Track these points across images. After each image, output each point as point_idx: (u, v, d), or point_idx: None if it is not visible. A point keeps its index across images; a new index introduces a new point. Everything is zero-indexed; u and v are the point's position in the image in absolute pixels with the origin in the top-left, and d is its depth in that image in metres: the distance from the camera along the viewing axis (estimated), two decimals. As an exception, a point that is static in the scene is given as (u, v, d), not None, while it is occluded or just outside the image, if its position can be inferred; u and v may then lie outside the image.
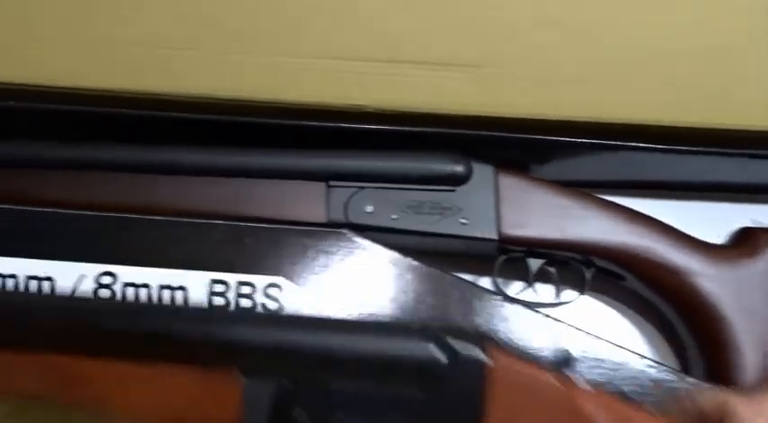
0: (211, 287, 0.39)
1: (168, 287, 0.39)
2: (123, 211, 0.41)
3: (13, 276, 0.39)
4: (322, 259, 0.42)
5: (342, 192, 0.44)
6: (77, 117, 0.43)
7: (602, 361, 0.39)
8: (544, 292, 0.47)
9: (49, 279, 0.39)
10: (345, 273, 0.41)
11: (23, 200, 0.41)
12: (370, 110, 0.45)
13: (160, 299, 0.39)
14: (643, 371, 0.39)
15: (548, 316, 0.42)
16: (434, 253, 0.44)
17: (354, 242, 0.42)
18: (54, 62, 0.43)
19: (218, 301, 0.39)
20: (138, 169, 0.43)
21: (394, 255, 0.42)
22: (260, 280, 0.40)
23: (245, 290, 0.40)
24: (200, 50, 0.43)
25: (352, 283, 0.41)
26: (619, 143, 0.46)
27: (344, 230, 0.42)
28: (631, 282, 0.45)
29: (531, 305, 0.43)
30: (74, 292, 0.39)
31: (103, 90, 0.43)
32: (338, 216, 0.44)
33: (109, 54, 0.43)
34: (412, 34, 0.45)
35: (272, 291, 0.40)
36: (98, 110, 0.43)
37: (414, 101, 0.45)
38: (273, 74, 0.44)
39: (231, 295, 0.39)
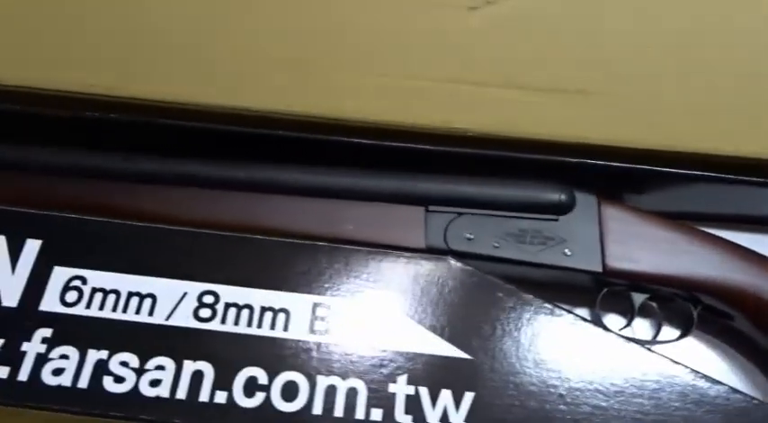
0: (314, 311, 0.38)
1: (270, 309, 0.38)
2: (226, 229, 0.41)
3: (115, 292, 0.38)
4: (422, 285, 0.40)
5: (441, 217, 0.43)
6: (180, 132, 0.43)
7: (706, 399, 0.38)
8: (646, 327, 0.45)
9: (150, 296, 0.38)
10: (445, 299, 0.40)
11: (127, 214, 0.41)
12: (472, 134, 0.44)
13: (261, 321, 0.38)
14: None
15: (650, 350, 0.40)
16: (533, 282, 0.43)
17: (455, 269, 0.41)
18: (163, 78, 0.43)
19: (321, 325, 0.38)
20: (241, 187, 0.43)
21: (494, 281, 0.41)
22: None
23: (349, 314, 0.39)
24: (307, 69, 0.43)
25: (452, 309, 0.40)
26: (725, 176, 0.44)
27: (447, 257, 0.41)
28: (740, 322, 0.43)
29: (632, 341, 0.41)
30: (174, 310, 0.38)
31: (207, 106, 0.43)
32: (437, 242, 0.43)
33: (215, 70, 0.43)
34: (519, 59, 0.45)
35: (375, 317, 0.39)
36: (200, 125, 0.42)
37: (517, 126, 0.44)
38: (378, 95, 0.43)
39: (333, 320, 0.38)
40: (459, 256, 0.42)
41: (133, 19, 0.44)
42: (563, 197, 0.43)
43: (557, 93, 0.44)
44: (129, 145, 0.43)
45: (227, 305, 0.38)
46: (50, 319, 0.37)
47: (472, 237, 0.43)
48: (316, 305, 0.39)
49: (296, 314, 0.38)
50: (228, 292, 0.39)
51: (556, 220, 0.43)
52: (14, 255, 0.39)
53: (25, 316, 0.37)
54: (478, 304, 0.40)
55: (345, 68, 0.43)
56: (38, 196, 0.42)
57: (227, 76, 0.43)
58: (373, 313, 0.39)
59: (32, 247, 0.39)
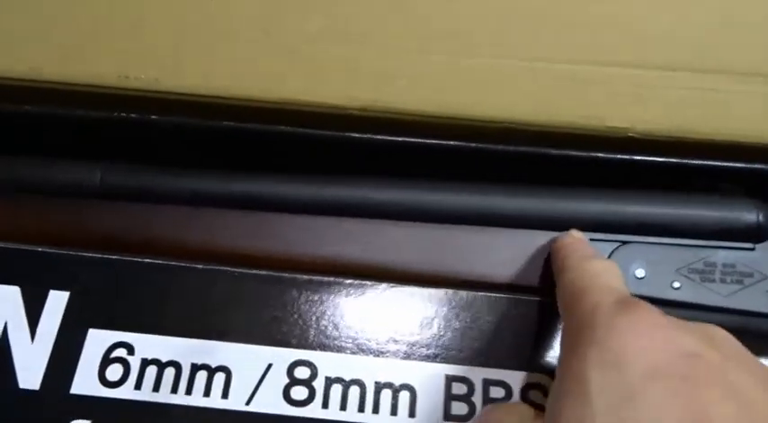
0: (450, 387, 0.28)
1: (389, 385, 0.28)
2: (324, 270, 0.30)
3: (173, 365, 0.27)
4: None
5: (600, 247, 0.32)
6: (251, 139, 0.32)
7: None
8: None
9: (223, 370, 0.27)
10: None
11: (187, 251, 0.30)
12: (634, 134, 0.33)
13: (377, 404, 0.27)
14: None
15: None
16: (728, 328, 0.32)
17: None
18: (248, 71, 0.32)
19: (460, 407, 0.27)
20: (326, 209, 0.32)
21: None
22: (514, 378, 0.28)
23: (496, 392, 0.28)
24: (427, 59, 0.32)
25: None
26: None
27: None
28: None
29: None
30: (257, 390, 0.27)
31: (307, 103, 0.32)
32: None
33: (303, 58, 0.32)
34: (688, 36, 0.33)
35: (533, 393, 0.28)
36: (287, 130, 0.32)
37: (694, 124, 0.33)
38: (513, 88, 0.32)
39: (477, 399, 0.28)
40: (626, 300, 0.31)
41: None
42: (762, 218, 0.32)
43: (748, 77, 0.33)
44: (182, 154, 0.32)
45: (329, 381, 0.28)
46: (86, 406, 0.27)
47: (643, 274, 0.32)
48: (450, 378, 0.28)
49: (423, 390, 0.28)
50: (329, 363, 0.28)
51: (752, 249, 0.32)
52: (34, 314, 0.28)
53: (52, 402, 0.27)
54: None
55: (484, 52, 0.32)
56: (61, 230, 0.31)
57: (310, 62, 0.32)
58: (529, 390, 0.28)
59: (57, 301, 0.28)
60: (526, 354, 0.29)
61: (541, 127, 0.32)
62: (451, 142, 0.32)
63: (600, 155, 0.32)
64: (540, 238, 0.32)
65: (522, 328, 0.29)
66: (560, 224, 0.32)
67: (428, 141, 0.32)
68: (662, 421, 0.19)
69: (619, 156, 0.32)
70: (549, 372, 0.28)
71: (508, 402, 0.27)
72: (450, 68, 0.32)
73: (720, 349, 0.22)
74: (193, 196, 0.31)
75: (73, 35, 0.32)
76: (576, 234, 0.31)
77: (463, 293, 0.30)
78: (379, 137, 0.32)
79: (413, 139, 0.32)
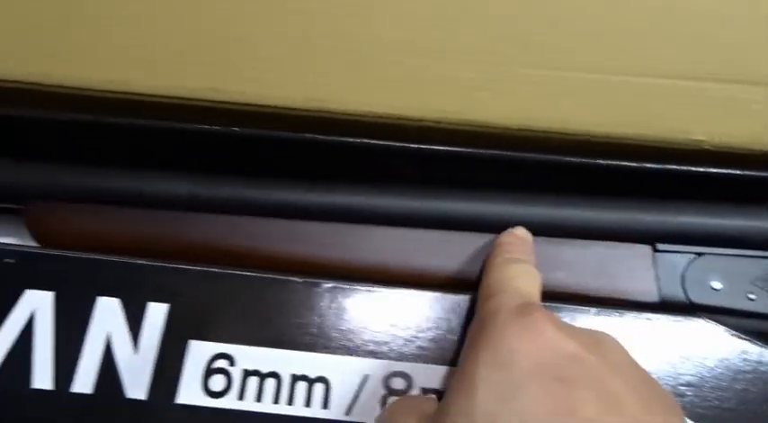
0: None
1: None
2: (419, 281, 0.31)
3: (274, 376, 0.28)
4: (656, 350, 0.31)
5: (675, 259, 0.33)
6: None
7: None
8: None
9: (322, 381, 0.28)
10: (685, 370, 0.30)
11: (281, 262, 0.31)
12: (707, 146, 0.33)
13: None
14: None
15: None
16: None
17: (700, 329, 0.31)
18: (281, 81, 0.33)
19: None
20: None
21: (755, 347, 0.31)
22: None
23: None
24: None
25: (698, 381, 0.30)
26: None
27: (699, 318, 0.31)
28: None
29: None
30: (355, 400, 0.28)
31: (357, 113, 0.32)
32: (673, 292, 0.33)
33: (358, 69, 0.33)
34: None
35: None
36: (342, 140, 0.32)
37: (764, 133, 0.33)
38: (571, 94, 0.33)
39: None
40: (703, 310, 0.32)
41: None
42: (836, 229, 0.33)
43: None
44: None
45: (425, 392, 0.28)
46: (193, 415, 0.28)
47: (719, 285, 0.32)
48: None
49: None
50: (426, 374, 0.29)
51: (828, 260, 0.33)
52: (135, 326, 0.29)
53: (160, 411, 0.28)
54: (735, 377, 0.30)
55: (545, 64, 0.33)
56: (158, 242, 0.32)
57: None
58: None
59: (157, 313, 0.29)
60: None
61: (620, 139, 0.33)
62: (531, 155, 0.33)
63: (676, 167, 0.33)
64: (623, 251, 0.33)
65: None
66: (641, 234, 0.33)
67: (507, 153, 0.33)
68: (534, 416, 0.21)
69: (695, 168, 0.33)
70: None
71: (413, 396, 0.28)
72: (533, 81, 0.33)
73: (603, 355, 0.23)
74: (288, 209, 0.32)
75: (161, 48, 0.33)
76: (518, 232, 0.32)
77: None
78: (457, 149, 0.33)
79: (494, 152, 0.33)
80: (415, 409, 0.25)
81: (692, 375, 0.30)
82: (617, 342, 0.24)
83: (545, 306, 0.26)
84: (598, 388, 0.22)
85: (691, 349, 0.31)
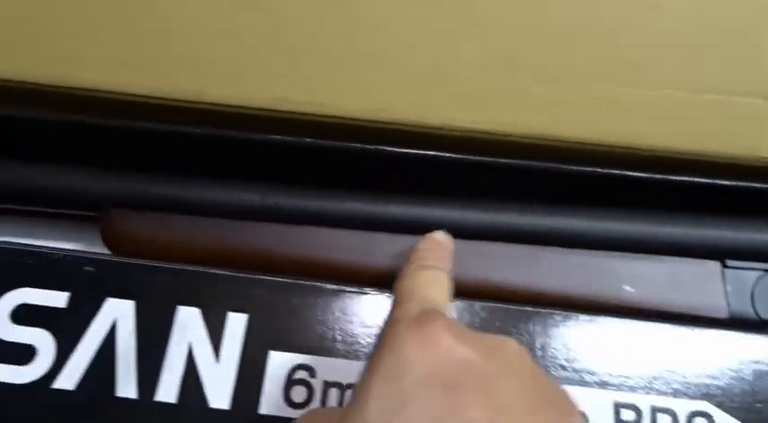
0: (618, 412, 0.29)
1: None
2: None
3: (353, 388, 0.29)
4: (726, 369, 0.31)
5: (744, 275, 0.33)
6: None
7: None
8: None
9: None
10: (759, 389, 0.31)
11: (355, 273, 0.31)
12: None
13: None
14: None
15: None
16: None
17: (771, 347, 0.31)
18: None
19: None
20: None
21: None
22: (680, 406, 0.29)
23: (664, 420, 0.29)
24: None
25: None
26: None
27: (761, 332, 0.31)
28: None
29: None
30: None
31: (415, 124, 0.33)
32: (743, 308, 0.33)
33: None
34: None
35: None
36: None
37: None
38: (649, 111, 0.33)
39: (644, 426, 0.29)
40: (774, 328, 0.32)
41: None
42: None
43: None
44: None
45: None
46: (276, 426, 0.28)
47: (791, 303, 0.33)
48: (618, 405, 0.29)
49: (595, 417, 0.29)
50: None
51: None
52: (216, 335, 0.29)
53: (243, 421, 0.28)
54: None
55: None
56: (235, 252, 0.32)
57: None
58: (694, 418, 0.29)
59: (237, 323, 0.30)
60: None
61: (691, 156, 0.33)
62: (604, 170, 0.33)
63: (747, 184, 0.33)
64: (692, 267, 0.33)
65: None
66: (710, 250, 0.33)
67: (580, 168, 0.33)
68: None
69: (765, 185, 0.33)
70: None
71: (322, 408, 0.28)
72: (606, 97, 0.33)
73: (498, 359, 0.23)
74: (366, 221, 0.32)
75: (238, 60, 0.33)
76: (437, 237, 0.32)
77: (600, 319, 0.31)
78: (530, 162, 0.33)
79: (566, 166, 0.33)
80: (322, 420, 0.25)
81: (765, 392, 0.30)
82: (517, 346, 0.24)
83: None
84: (487, 392, 0.21)
85: (761, 365, 0.31)
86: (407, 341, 0.23)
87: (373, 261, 0.32)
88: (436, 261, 0.29)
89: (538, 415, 0.21)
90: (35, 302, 0.30)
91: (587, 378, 0.30)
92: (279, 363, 0.29)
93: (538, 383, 0.23)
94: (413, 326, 0.23)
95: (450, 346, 0.22)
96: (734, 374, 0.30)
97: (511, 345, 0.24)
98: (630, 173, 0.33)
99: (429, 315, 0.24)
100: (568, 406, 0.23)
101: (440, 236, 0.31)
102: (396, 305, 0.26)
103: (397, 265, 0.32)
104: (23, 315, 0.29)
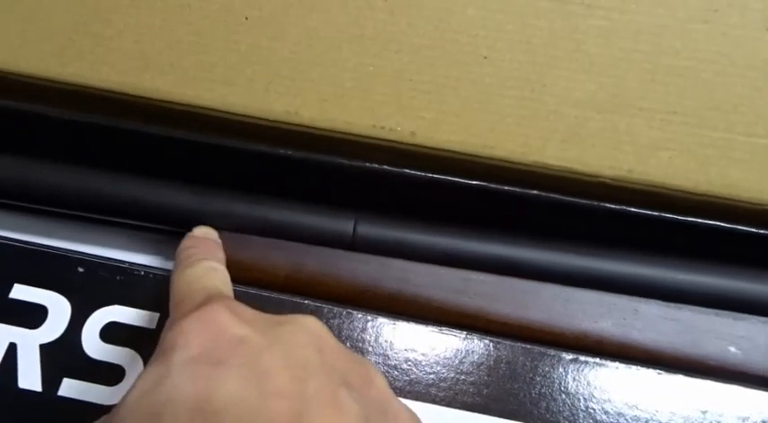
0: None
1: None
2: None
3: (443, 436, 0.28)
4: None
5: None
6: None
7: None
8: None
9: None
10: None
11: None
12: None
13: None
14: None
15: None
16: None
17: None
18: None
19: None
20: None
21: None
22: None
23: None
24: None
25: None
26: None
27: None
28: None
29: None
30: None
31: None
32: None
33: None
34: None
35: None
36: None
37: None
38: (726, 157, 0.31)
39: None
40: None
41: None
42: None
43: None
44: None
45: (598, 467, 0.27)
46: None
47: None
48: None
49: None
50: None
51: None
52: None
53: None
54: None
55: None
56: (312, 279, 0.31)
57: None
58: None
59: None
60: None
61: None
62: (712, 222, 0.31)
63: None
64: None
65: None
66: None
67: (683, 219, 0.31)
68: (172, 402, 0.19)
69: None
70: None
71: None
72: (720, 144, 0.31)
73: (275, 334, 0.22)
74: (446, 255, 0.31)
75: (333, 81, 0.32)
76: (197, 233, 0.31)
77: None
78: (634, 209, 0.31)
79: (669, 215, 0.31)
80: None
81: None
82: (312, 322, 0.23)
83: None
84: (249, 366, 0.20)
85: None
86: (185, 325, 0.22)
87: (462, 301, 0.31)
88: (204, 254, 0.28)
89: (302, 386, 0.20)
90: (124, 321, 0.29)
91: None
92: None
93: (319, 355, 0.22)
94: (195, 312, 0.22)
95: (226, 325, 0.22)
96: None
97: (302, 320, 0.23)
98: (740, 227, 0.31)
99: (210, 299, 0.23)
100: (351, 377, 0.22)
101: (200, 230, 0.31)
102: (175, 305, 0.25)
103: (490, 306, 0.31)
104: (112, 333, 0.29)
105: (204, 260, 0.28)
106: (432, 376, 0.29)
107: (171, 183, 0.32)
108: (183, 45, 0.33)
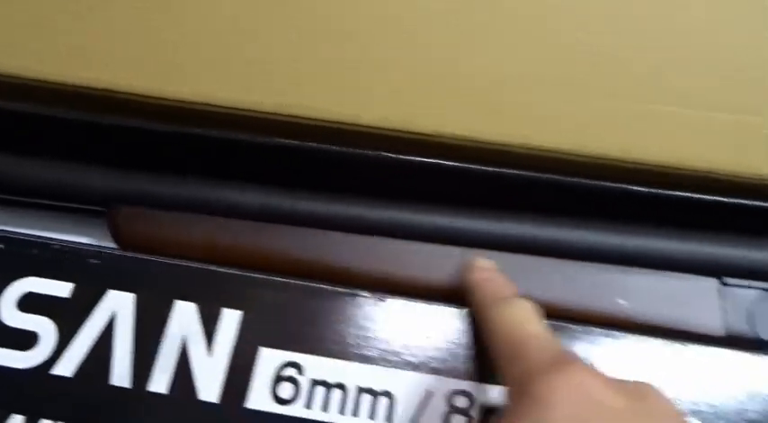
0: None
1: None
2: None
3: (340, 387, 0.29)
4: (722, 388, 0.30)
5: (743, 293, 0.33)
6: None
7: None
8: None
9: (386, 395, 0.29)
10: (755, 410, 0.30)
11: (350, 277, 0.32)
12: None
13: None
14: None
15: None
16: None
17: None
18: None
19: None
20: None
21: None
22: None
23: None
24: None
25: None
26: None
27: (758, 352, 0.31)
28: None
29: None
30: (419, 416, 0.29)
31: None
32: (740, 326, 0.32)
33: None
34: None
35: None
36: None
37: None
38: (622, 124, 0.33)
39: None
40: (770, 347, 0.32)
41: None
42: None
43: None
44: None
45: (486, 412, 0.29)
46: (261, 420, 0.29)
47: (788, 321, 0.32)
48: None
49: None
50: (487, 393, 0.29)
51: None
52: (210, 330, 0.30)
53: (229, 414, 0.29)
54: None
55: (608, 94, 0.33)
56: (231, 249, 0.33)
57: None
58: None
59: (231, 319, 0.30)
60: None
61: (693, 172, 0.33)
62: (604, 183, 0.33)
63: (748, 202, 0.33)
64: (688, 283, 0.33)
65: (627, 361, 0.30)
66: (707, 266, 0.33)
67: (580, 181, 0.33)
68: None
69: (764, 203, 0.33)
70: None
71: None
72: (609, 111, 0.33)
73: (645, 405, 0.23)
74: (362, 225, 0.33)
75: (243, 62, 0.34)
76: (484, 264, 0.32)
77: (593, 330, 0.31)
78: (534, 174, 0.33)
79: (568, 179, 0.33)
80: None
81: (757, 412, 0.30)
82: (657, 390, 0.24)
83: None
84: None
85: (756, 386, 0.30)
86: (552, 387, 0.23)
87: (372, 266, 0.33)
88: (508, 289, 0.30)
89: None
90: (40, 291, 0.31)
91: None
92: (269, 359, 0.30)
93: None
94: (552, 372, 0.23)
95: (598, 392, 0.23)
96: (725, 392, 0.30)
97: (652, 390, 0.24)
98: (630, 187, 0.33)
99: (564, 363, 0.24)
100: None
101: (485, 263, 0.32)
102: (513, 356, 0.26)
103: (395, 270, 0.33)
104: (29, 303, 0.31)
105: (516, 299, 0.29)
106: (336, 335, 0.30)
107: (85, 164, 0.34)
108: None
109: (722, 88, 0.34)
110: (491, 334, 0.28)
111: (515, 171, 0.32)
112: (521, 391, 0.24)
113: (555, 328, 0.31)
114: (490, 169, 0.33)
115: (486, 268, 0.32)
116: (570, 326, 0.31)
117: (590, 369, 0.24)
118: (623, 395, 0.23)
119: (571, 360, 0.24)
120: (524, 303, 0.28)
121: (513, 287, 0.30)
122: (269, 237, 0.34)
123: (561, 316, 0.32)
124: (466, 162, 0.32)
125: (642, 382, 0.25)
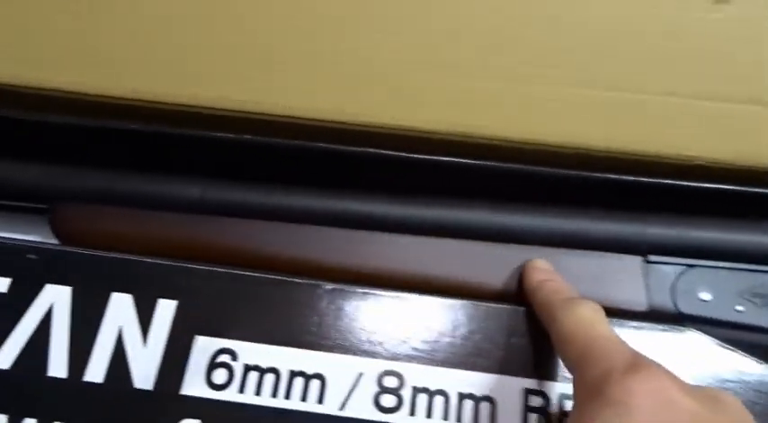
0: (527, 399, 0.30)
1: (471, 396, 0.30)
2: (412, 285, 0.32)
3: (273, 371, 0.30)
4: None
5: (666, 270, 0.34)
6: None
7: None
8: None
9: (318, 378, 0.30)
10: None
11: (283, 265, 0.33)
12: (701, 162, 0.34)
13: (461, 412, 0.29)
14: None
15: None
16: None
17: (689, 339, 0.32)
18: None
19: (534, 417, 0.30)
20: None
21: (742, 358, 0.32)
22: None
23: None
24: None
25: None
26: None
27: (688, 328, 0.32)
28: None
29: None
30: (349, 396, 0.30)
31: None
32: (663, 302, 0.34)
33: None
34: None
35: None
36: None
37: (760, 152, 0.34)
38: (576, 112, 0.34)
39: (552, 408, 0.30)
40: (691, 321, 0.33)
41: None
42: (824, 245, 0.34)
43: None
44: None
45: (416, 390, 0.30)
46: (195, 406, 0.29)
47: (709, 298, 0.33)
48: (528, 391, 0.30)
49: (502, 404, 0.30)
50: (416, 374, 0.30)
51: (815, 275, 0.34)
52: (145, 320, 0.31)
53: (164, 402, 0.29)
54: (721, 387, 0.31)
55: (550, 80, 0.34)
56: (170, 242, 0.34)
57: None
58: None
59: (166, 309, 0.31)
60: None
61: (616, 154, 0.34)
62: (532, 167, 0.34)
63: (669, 181, 0.34)
64: (615, 261, 0.34)
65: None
66: (633, 245, 0.34)
67: (510, 166, 0.34)
68: None
69: (687, 183, 0.34)
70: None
71: None
72: (541, 97, 0.34)
73: (724, 414, 0.23)
74: (294, 213, 0.33)
75: (180, 57, 0.35)
76: (542, 266, 0.33)
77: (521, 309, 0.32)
78: (469, 161, 0.34)
79: (497, 164, 0.34)
80: None
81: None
82: (735, 399, 0.25)
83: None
84: None
85: (678, 358, 0.31)
86: (629, 393, 0.23)
87: (304, 254, 0.34)
88: (570, 291, 0.30)
89: None
90: (-21, 287, 0.32)
91: (500, 365, 0.31)
92: (203, 347, 0.30)
93: None
94: (629, 378, 0.24)
95: (675, 398, 0.23)
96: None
97: (730, 398, 0.25)
98: (554, 170, 0.34)
99: (640, 367, 0.24)
100: None
101: (543, 264, 0.33)
102: (585, 359, 0.26)
103: (326, 257, 0.33)
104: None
105: (583, 301, 0.29)
106: (270, 322, 0.31)
107: (26, 162, 0.35)
108: None
109: (643, 71, 0.35)
110: (560, 336, 0.28)
111: (449, 158, 0.33)
112: (595, 393, 0.24)
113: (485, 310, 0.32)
114: (415, 156, 0.34)
115: (544, 269, 0.32)
116: (501, 306, 0.32)
117: (666, 372, 0.24)
118: (699, 399, 0.23)
119: (647, 363, 0.24)
120: (592, 305, 0.28)
121: (573, 287, 0.31)
122: (211, 229, 0.34)
123: (489, 297, 0.33)
124: (376, 148, 0.33)
125: (714, 388, 0.25)
